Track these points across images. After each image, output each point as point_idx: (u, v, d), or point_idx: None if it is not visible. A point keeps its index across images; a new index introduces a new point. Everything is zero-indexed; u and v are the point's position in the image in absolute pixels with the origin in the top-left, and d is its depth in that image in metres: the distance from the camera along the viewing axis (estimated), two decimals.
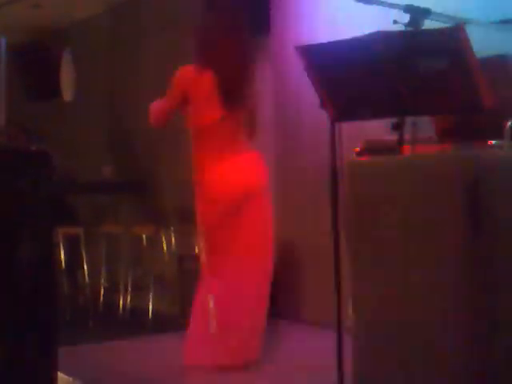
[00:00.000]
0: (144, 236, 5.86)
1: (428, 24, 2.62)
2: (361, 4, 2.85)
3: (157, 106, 3.82)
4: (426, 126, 2.86)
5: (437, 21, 2.64)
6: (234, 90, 3.74)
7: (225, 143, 3.74)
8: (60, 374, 2.96)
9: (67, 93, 7.61)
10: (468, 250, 2.12)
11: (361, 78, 2.55)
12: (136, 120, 7.05)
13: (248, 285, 3.76)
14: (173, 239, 5.92)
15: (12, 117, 2.89)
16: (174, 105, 3.79)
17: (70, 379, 3.65)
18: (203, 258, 3.82)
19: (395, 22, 2.65)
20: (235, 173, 3.74)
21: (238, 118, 3.79)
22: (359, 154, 3.38)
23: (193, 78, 3.71)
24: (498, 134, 2.50)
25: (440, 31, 2.39)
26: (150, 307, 5.72)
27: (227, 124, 3.74)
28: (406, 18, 2.64)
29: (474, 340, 2.11)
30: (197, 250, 5.79)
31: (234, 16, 3.84)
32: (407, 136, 2.63)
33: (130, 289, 6.00)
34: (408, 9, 2.65)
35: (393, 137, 2.61)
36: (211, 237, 3.78)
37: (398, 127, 2.52)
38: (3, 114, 2.79)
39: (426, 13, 2.64)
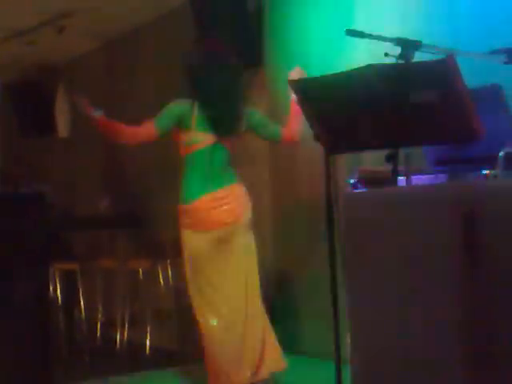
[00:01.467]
0: (140, 270, 5.85)
1: (419, 56, 2.65)
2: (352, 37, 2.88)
3: (140, 130, 3.79)
4: (419, 156, 2.88)
5: (427, 52, 2.67)
6: (224, 117, 3.77)
7: (213, 172, 3.76)
8: None
9: (62, 129, 7.65)
10: (466, 280, 2.13)
11: (353, 109, 2.58)
12: (131, 155, 7.08)
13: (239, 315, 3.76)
14: (169, 272, 5.91)
15: (7, 154, 2.90)
16: (157, 134, 3.77)
17: None
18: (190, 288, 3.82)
19: (386, 54, 2.68)
20: (221, 203, 3.76)
21: (227, 145, 3.82)
22: (354, 184, 3.40)
23: (186, 108, 3.74)
24: (491, 163, 2.52)
25: (430, 63, 2.42)
26: (148, 342, 5.69)
27: (217, 152, 3.77)
28: (397, 50, 2.67)
29: (474, 371, 2.11)
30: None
31: (222, 43, 3.91)
32: (401, 167, 2.65)
33: (127, 323, 5.97)
34: (399, 41, 2.68)
35: (387, 167, 2.63)
36: (197, 267, 3.78)
37: (391, 158, 2.54)
38: None
39: (416, 45, 2.68)
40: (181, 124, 3.75)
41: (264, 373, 3.80)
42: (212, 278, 3.76)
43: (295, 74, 3.77)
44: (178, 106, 3.77)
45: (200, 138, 3.74)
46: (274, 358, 3.85)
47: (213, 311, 3.75)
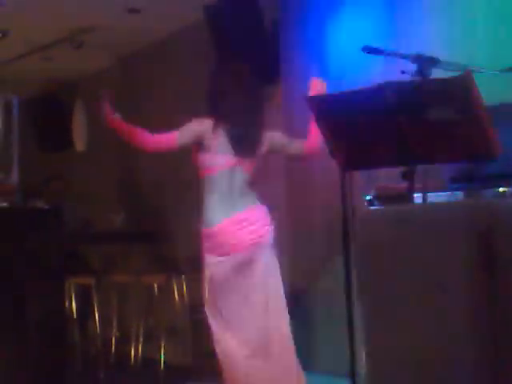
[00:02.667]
0: (155, 285, 5.85)
1: (436, 73, 2.64)
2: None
3: (163, 138, 3.81)
4: (436, 173, 2.87)
5: (445, 69, 2.66)
6: (245, 139, 3.77)
7: (233, 194, 3.75)
8: None
9: (79, 143, 7.69)
10: (482, 298, 2.11)
11: (370, 127, 2.57)
12: (147, 169, 7.10)
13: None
14: (184, 288, 5.90)
15: (25, 168, 2.93)
16: (180, 143, 3.79)
17: None
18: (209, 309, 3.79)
19: (403, 72, 2.68)
20: (242, 226, 3.74)
21: (248, 167, 3.81)
22: (370, 201, 3.39)
23: (207, 128, 3.74)
24: (508, 180, 2.51)
25: (448, 80, 2.41)
26: (162, 358, 5.68)
27: (237, 174, 3.76)
28: (414, 67, 2.67)
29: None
30: None
31: (243, 67, 3.90)
32: (418, 184, 2.64)
33: (141, 339, 5.96)
34: (416, 58, 2.68)
35: (404, 184, 2.62)
36: (217, 290, 3.75)
37: (408, 175, 2.53)
38: (16, 171, 2.83)
39: (433, 62, 2.67)
40: (201, 144, 3.75)
41: None
42: (231, 303, 3.73)
43: (315, 85, 3.77)
44: (201, 125, 3.77)
45: (221, 161, 3.73)
46: None
47: (232, 337, 3.71)
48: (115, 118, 3.76)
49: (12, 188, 2.82)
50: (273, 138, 3.87)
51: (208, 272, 3.78)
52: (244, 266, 3.72)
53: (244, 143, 3.77)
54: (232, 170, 3.74)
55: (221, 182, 3.74)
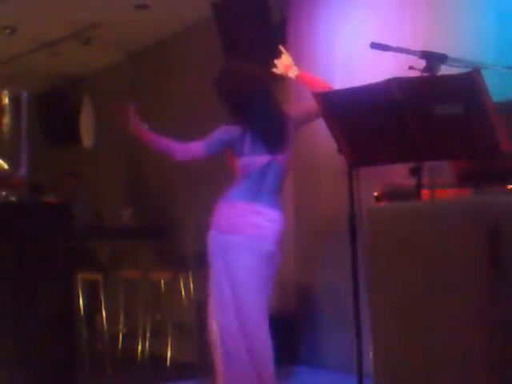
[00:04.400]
0: (162, 281, 5.85)
1: (444, 69, 2.63)
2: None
3: (190, 149, 3.81)
4: (444, 170, 2.86)
5: (453, 66, 2.65)
6: (274, 136, 3.77)
7: (263, 189, 3.75)
8: None
9: (87, 139, 7.70)
10: (490, 294, 2.10)
11: (377, 123, 2.57)
12: (155, 166, 7.11)
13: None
14: (191, 284, 5.91)
15: (33, 164, 2.94)
16: (207, 152, 3.79)
17: None
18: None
19: (411, 67, 2.67)
20: (259, 216, 3.74)
21: (281, 162, 3.80)
22: (378, 198, 3.38)
23: (236, 135, 3.73)
24: None
25: (456, 76, 2.40)
26: (169, 354, 5.69)
27: (271, 169, 3.77)
28: (422, 63, 2.66)
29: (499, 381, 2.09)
30: None
31: (257, 66, 3.90)
32: (426, 180, 2.63)
33: (148, 335, 5.97)
34: (424, 55, 2.67)
35: (412, 181, 2.61)
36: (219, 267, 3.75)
37: (415, 172, 2.52)
38: (25, 167, 2.84)
39: (442, 58, 2.66)
40: (233, 150, 3.76)
41: None
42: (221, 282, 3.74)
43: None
44: (229, 133, 3.76)
45: (256, 161, 3.74)
46: None
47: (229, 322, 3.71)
48: (143, 129, 3.77)
49: (21, 182, 2.82)
50: (294, 115, 3.86)
51: (210, 247, 3.78)
52: (239, 249, 3.71)
53: (274, 140, 3.77)
54: (267, 166, 3.75)
55: (254, 177, 3.74)
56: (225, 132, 3.77)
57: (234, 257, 3.69)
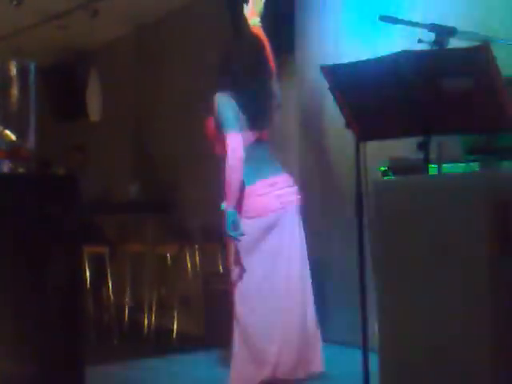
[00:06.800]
0: (168, 255, 5.88)
1: (453, 43, 2.61)
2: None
3: (235, 147, 3.78)
4: (451, 144, 2.85)
5: (462, 39, 2.63)
6: (264, 115, 3.76)
7: (259, 164, 3.75)
8: None
9: (94, 113, 7.69)
10: (495, 268, 2.10)
11: (386, 97, 2.55)
12: (161, 140, 7.11)
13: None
14: (197, 258, 5.93)
15: (40, 138, 2.93)
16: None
17: None
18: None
19: (420, 40, 2.65)
20: (271, 190, 3.75)
21: (266, 138, 3.81)
22: (385, 172, 3.37)
23: (234, 107, 3.71)
24: None
25: (465, 50, 2.38)
26: (175, 327, 5.72)
27: (260, 147, 3.76)
28: (431, 36, 2.63)
29: (501, 354, 2.09)
30: (221, 269, 5.79)
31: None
32: (433, 155, 2.62)
33: (154, 308, 6.01)
34: (433, 28, 2.64)
35: (419, 155, 2.60)
36: (243, 251, 3.75)
37: (423, 146, 2.51)
38: (33, 138, 2.82)
39: (451, 32, 2.64)
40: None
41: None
42: (257, 264, 3.74)
43: None
44: (231, 104, 3.73)
45: (245, 138, 3.71)
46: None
47: (254, 298, 3.71)
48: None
49: (28, 153, 2.81)
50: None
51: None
52: (270, 229, 3.72)
53: (263, 118, 3.76)
54: (255, 143, 3.75)
55: (247, 156, 3.72)
56: (228, 104, 3.73)
57: (277, 234, 3.71)
